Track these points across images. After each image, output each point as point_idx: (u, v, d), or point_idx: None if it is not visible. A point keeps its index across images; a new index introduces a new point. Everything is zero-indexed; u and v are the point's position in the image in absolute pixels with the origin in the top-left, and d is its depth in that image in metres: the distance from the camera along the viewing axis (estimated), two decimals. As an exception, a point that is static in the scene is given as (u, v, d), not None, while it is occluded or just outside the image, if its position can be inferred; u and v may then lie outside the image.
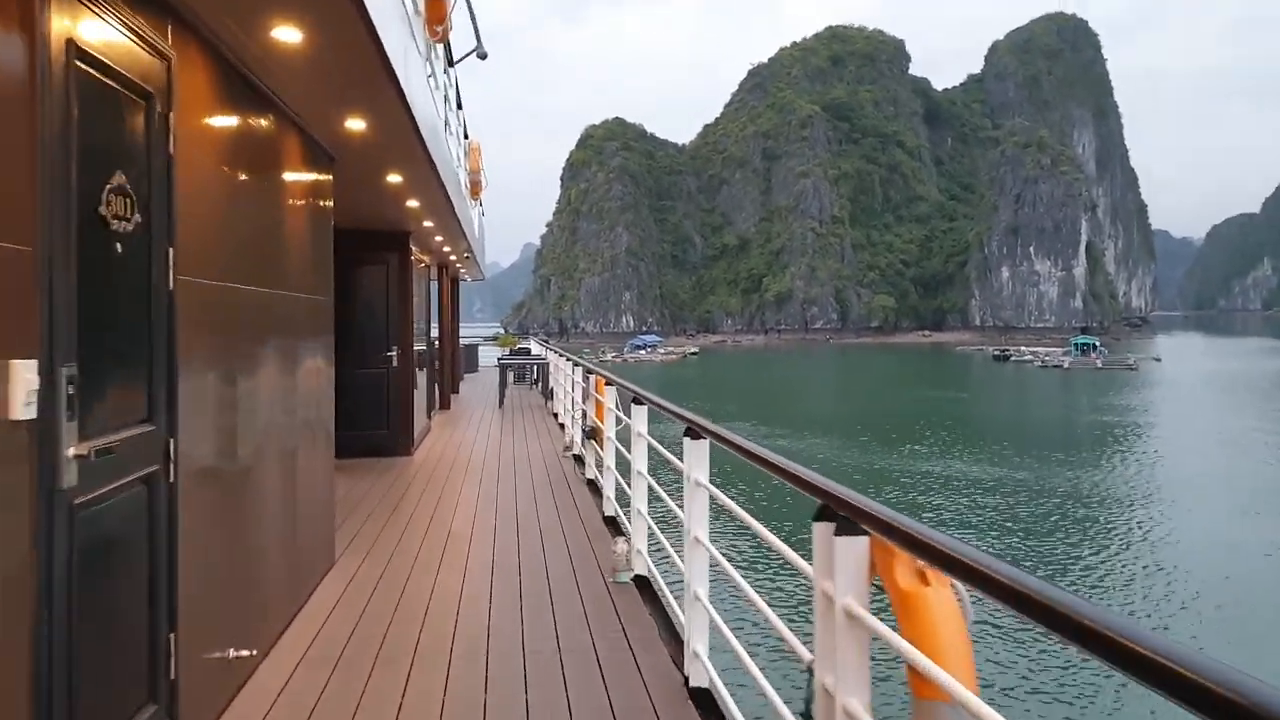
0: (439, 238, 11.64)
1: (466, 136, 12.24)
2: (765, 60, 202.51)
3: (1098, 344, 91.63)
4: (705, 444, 3.94)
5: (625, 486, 6.62)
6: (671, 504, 4.65)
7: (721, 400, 52.93)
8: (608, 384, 7.19)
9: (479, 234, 15.87)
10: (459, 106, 10.49)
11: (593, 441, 8.76)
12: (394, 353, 10.76)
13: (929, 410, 45.93)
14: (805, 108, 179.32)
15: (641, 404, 5.41)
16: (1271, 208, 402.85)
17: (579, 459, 10.61)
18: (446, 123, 8.18)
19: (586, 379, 8.86)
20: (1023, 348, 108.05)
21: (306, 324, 5.64)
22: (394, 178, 6.96)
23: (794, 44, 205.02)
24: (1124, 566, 17.72)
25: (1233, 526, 20.82)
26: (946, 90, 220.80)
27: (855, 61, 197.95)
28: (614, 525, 7.16)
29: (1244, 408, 47.19)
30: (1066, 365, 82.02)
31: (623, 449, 6.76)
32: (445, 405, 16.76)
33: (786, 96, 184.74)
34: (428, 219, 9.74)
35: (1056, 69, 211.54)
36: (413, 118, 5.24)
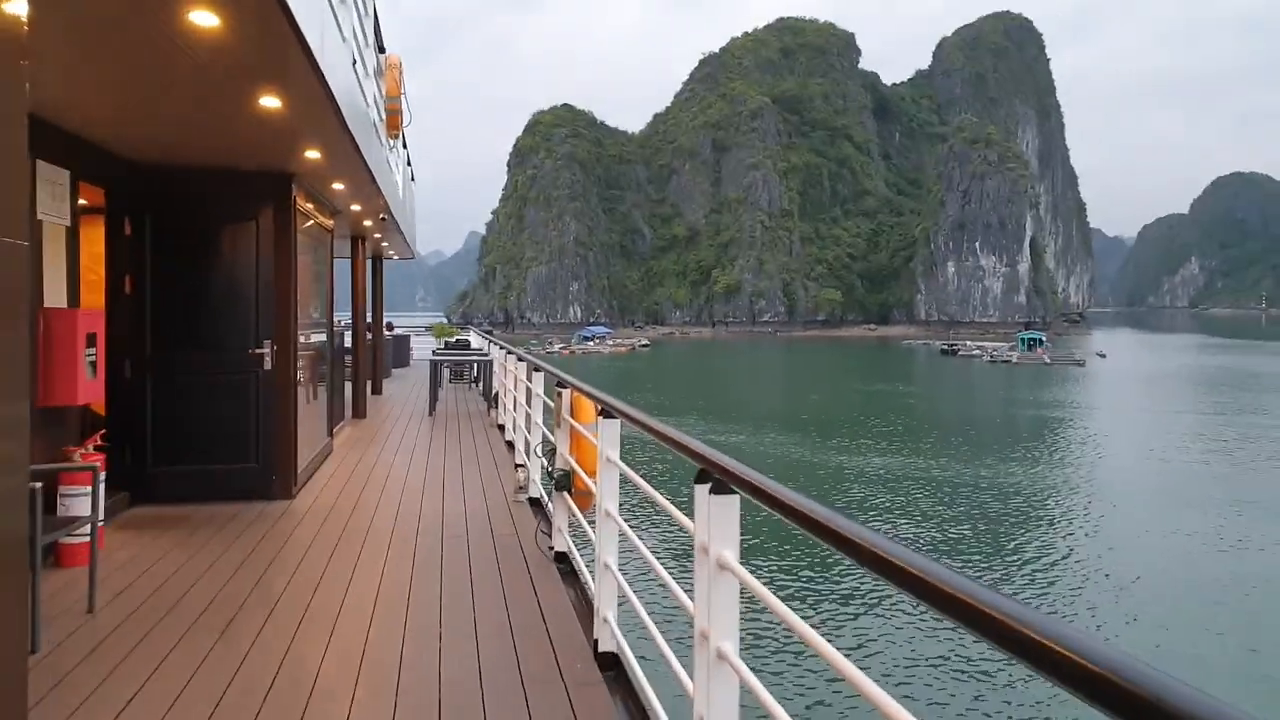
0: (339, 185, 8.21)
1: (382, 50, 8.82)
2: (716, 50, 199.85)
3: (1044, 339, 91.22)
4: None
5: (638, 606, 3.39)
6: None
7: (676, 396, 50.17)
8: (605, 413, 3.95)
9: (404, 195, 12.40)
10: (364, -13, 7.09)
11: (566, 497, 5.48)
12: (266, 349, 7.32)
13: (881, 405, 44.49)
14: (756, 99, 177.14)
15: (731, 492, 2.16)
16: (1198, 209, 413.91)
17: (536, 504, 7.33)
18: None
19: (558, 395, 5.60)
20: (968, 342, 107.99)
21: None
22: (204, 18, 3.57)
23: (745, 34, 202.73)
24: (1088, 568, 16.78)
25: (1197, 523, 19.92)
26: (895, 85, 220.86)
27: (806, 54, 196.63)
28: (618, 668, 3.92)
29: (1190, 402, 47.38)
30: (1014, 360, 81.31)
31: (633, 539, 3.52)
32: (360, 413, 13.28)
33: (737, 87, 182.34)
34: (310, 145, 6.33)
35: (1002, 67, 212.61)
36: None
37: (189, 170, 7.08)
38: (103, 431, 5.90)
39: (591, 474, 5.43)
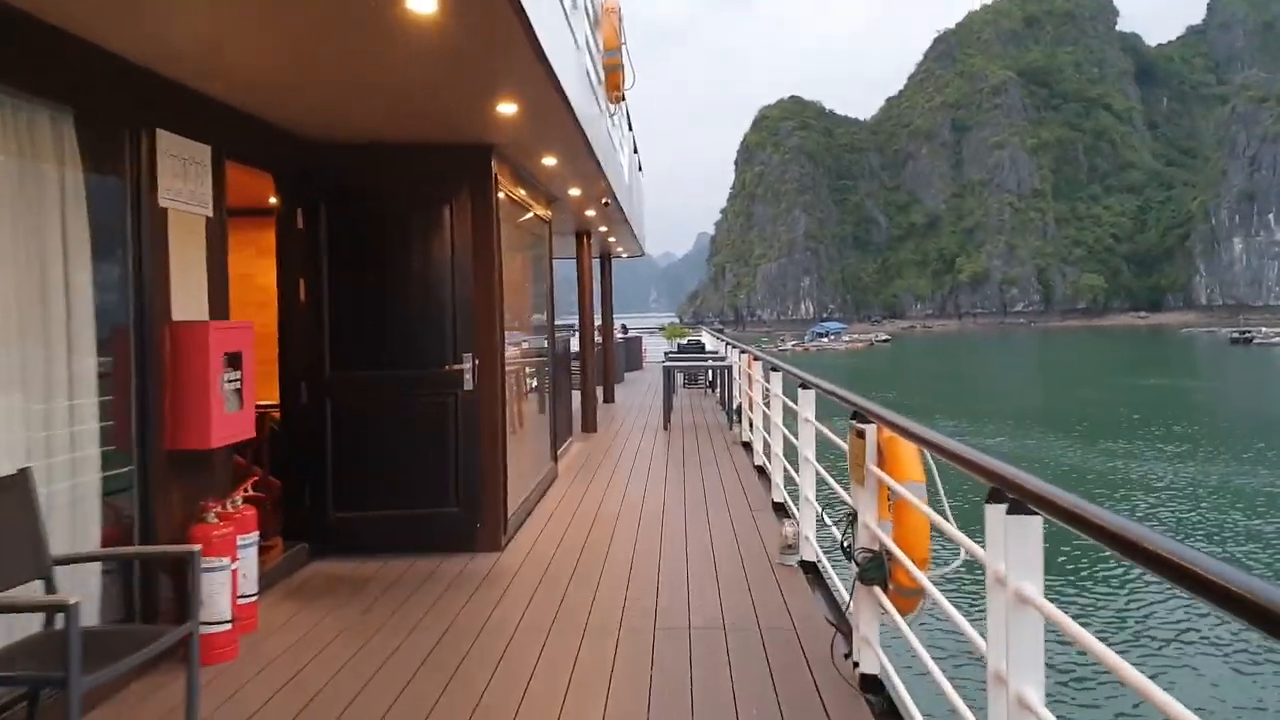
0: (550, 159, 6.67)
1: (598, -11, 7.22)
2: (952, 26, 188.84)
3: None
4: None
5: None
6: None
7: (923, 394, 46.26)
8: (1010, 500, 2.00)
9: (629, 179, 10.84)
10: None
11: (878, 593, 3.53)
12: (467, 364, 5.87)
13: (1163, 403, 37.93)
14: (998, 74, 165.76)
15: None
16: None
17: (813, 571, 5.41)
18: None
19: (855, 434, 3.68)
20: (1264, 328, 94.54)
21: None
22: None
23: (984, 7, 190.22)
24: None
25: None
26: (1161, 46, 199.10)
27: (1053, 21, 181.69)
28: None
29: None
30: None
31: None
32: (590, 426, 11.90)
33: (977, 63, 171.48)
34: (503, 93, 4.76)
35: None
36: None
37: (365, 148, 5.74)
38: (254, 478, 4.61)
39: (921, 561, 3.46)
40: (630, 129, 11.56)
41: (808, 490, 5.53)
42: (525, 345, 7.56)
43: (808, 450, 5.49)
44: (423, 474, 5.82)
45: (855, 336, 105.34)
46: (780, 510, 7.06)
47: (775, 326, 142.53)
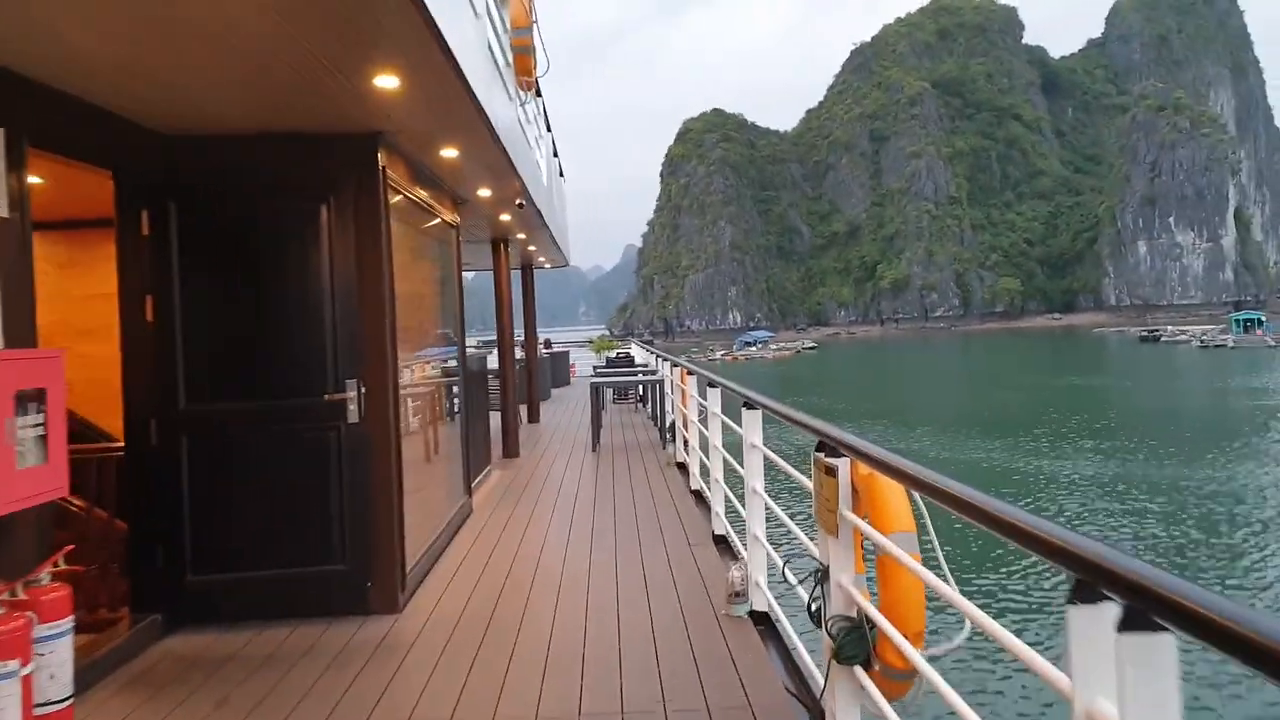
0: (450, 150, 5.80)
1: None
2: (869, 39, 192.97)
3: (1263, 319, 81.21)
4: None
5: None
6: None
7: (850, 399, 46.27)
8: (1160, 622, 1.24)
9: (548, 181, 10.01)
10: None
11: (860, 675, 2.77)
12: (351, 393, 4.97)
13: (1080, 401, 38.71)
14: (914, 85, 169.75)
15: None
16: None
17: (764, 622, 4.66)
18: None
19: (823, 469, 2.93)
20: (1168, 327, 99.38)
21: None
22: None
23: (898, 20, 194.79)
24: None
25: None
26: (1064, 58, 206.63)
27: (965, 34, 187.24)
28: None
29: None
30: (1230, 344, 72.20)
31: None
32: (511, 451, 11.00)
33: (893, 75, 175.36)
34: (381, 62, 3.91)
35: (1188, 25, 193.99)
36: None
37: (225, 139, 4.81)
38: (68, 548, 3.65)
39: (915, 635, 2.71)
40: (549, 129, 10.77)
41: (756, 527, 4.77)
42: (429, 365, 6.67)
43: (755, 481, 4.74)
44: (301, 525, 4.88)
45: (782, 345, 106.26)
46: (722, 543, 6.31)
47: (704, 336, 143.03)
